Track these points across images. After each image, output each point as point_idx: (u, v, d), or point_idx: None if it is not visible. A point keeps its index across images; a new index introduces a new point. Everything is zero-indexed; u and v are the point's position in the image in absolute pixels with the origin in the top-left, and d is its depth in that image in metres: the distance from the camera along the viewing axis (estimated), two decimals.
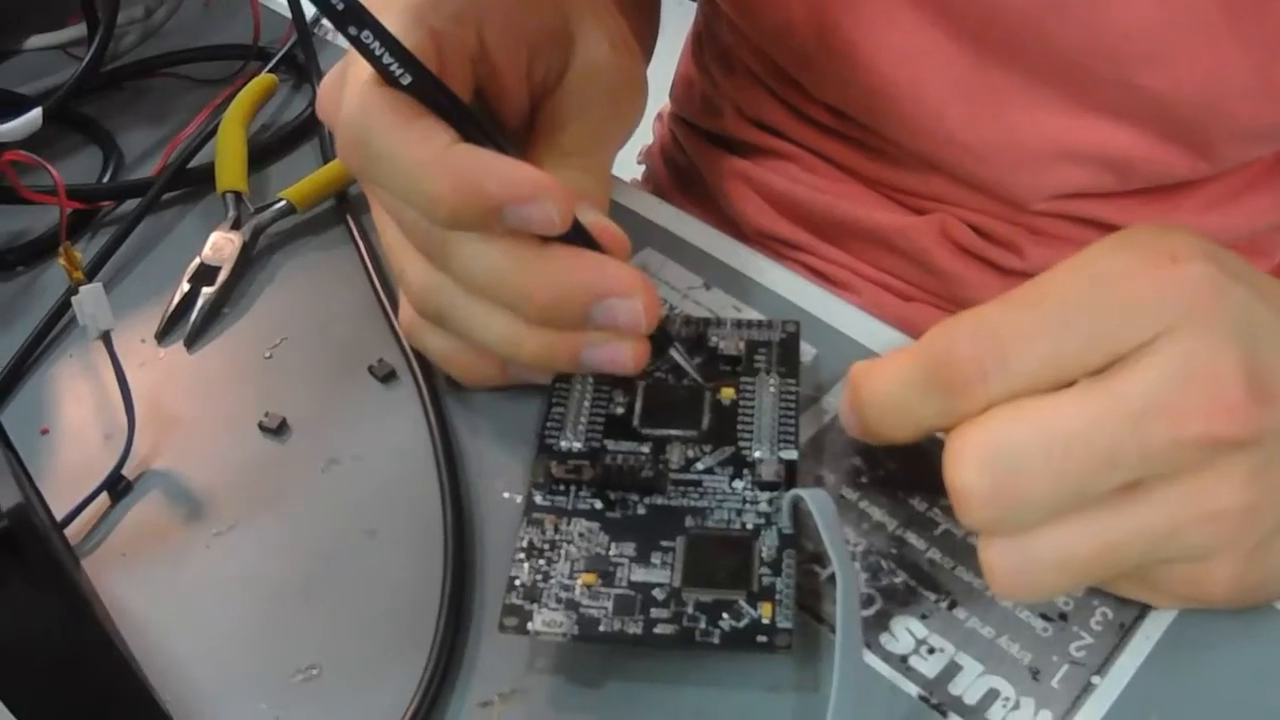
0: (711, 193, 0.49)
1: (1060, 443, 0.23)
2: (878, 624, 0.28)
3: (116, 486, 0.33)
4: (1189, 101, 0.38)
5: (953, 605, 0.28)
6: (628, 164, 0.59)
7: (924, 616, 0.28)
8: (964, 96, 0.40)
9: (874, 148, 0.44)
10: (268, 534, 0.31)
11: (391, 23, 0.28)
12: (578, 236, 0.28)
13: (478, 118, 0.27)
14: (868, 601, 0.28)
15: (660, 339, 0.30)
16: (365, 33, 0.25)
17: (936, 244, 0.44)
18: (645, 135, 0.57)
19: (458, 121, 0.27)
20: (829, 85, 0.43)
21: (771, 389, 0.31)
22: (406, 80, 0.26)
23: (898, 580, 0.28)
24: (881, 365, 0.26)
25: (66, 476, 0.32)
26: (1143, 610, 0.28)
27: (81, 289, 0.32)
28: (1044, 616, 0.28)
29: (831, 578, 0.28)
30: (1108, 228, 0.44)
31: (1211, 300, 0.24)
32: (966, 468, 0.24)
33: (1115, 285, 0.24)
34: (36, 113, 0.40)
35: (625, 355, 0.29)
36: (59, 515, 0.31)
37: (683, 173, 0.53)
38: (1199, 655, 0.27)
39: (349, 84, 0.27)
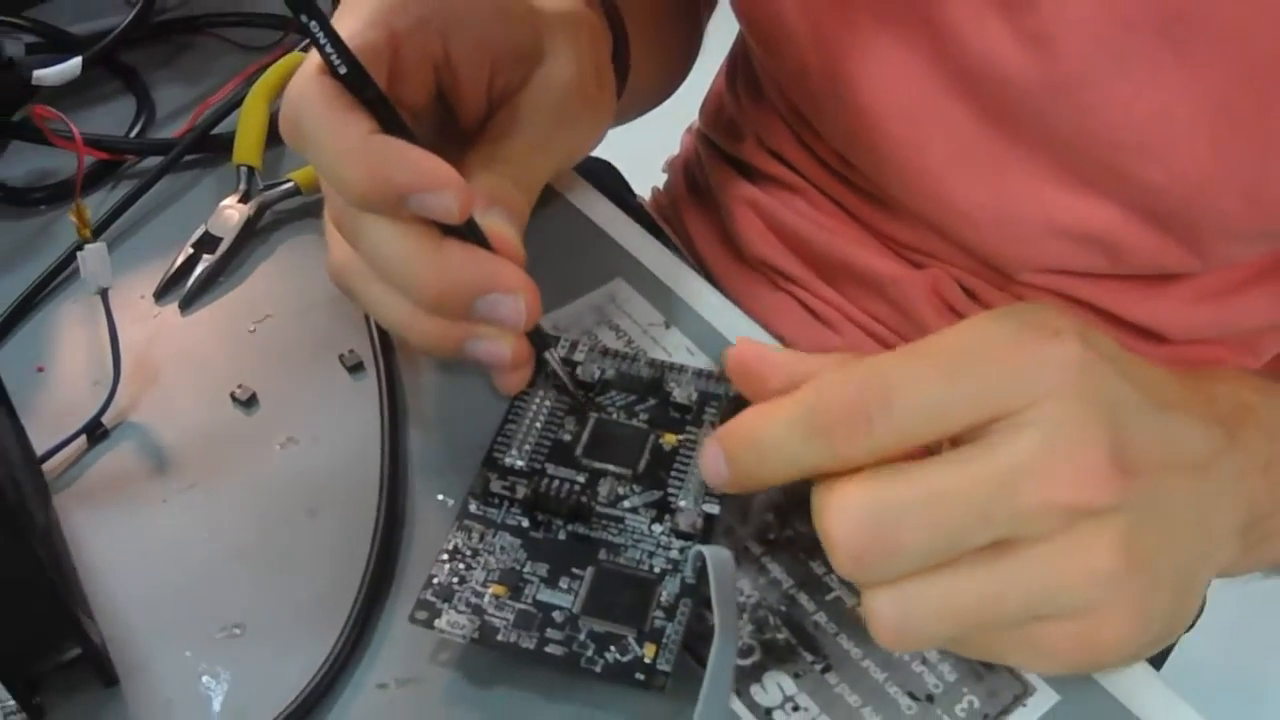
0: (720, 213, 0.51)
1: (937, 498, 0.25)
2: (752, 675, 0.29)
3: (95, 432, 0.35)
4: (1180, 195, 0.38)
5: (827, 669, 0.29)
6: (652, 170, 0.60)
7: (797, 675, 0.29)
8: (964, 162, 0.41)
9: (877, 197, 0.45)
10: (220, 499, 0.33)
11: (355, 18, 0.30)
12: (475, 237, 0.30)
13: (397, 114, 0.29)
14: (748, 652, 0.30)
15: (538, 344, 0.33)
16: (314, 22, 0.27)
17: (926, 299, 0.45)
18: (674, 145, 0.58)
19: (382, 115, 0.29)
20: (836, 133, 0.44)
21: None
22: (342, 70, 0.28)
23: (780, 637, 0.30)
24: (762, 408, 0.27)
25: (53, 415, 0.35)
26: (1010, 705, 0.29)
27: (86, 246, 0.35)
28: (911, 695, 0.29)
29: None
30: (1095, 309, 0.44)
31: (1082, 377, 0.25)
32: (847, 521, 0.25)
33: (999, 349, 0.26)
34: (76, 62, 0.42)
35: (505, 351, 0.31)
36: (40, 451, 0.34)
37: (698, 188, 0.54)
38: None
39: (301, 69, 0.29)
